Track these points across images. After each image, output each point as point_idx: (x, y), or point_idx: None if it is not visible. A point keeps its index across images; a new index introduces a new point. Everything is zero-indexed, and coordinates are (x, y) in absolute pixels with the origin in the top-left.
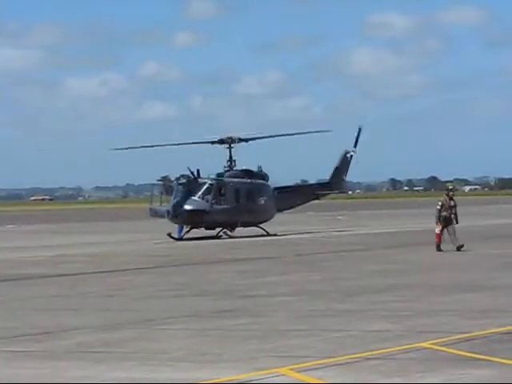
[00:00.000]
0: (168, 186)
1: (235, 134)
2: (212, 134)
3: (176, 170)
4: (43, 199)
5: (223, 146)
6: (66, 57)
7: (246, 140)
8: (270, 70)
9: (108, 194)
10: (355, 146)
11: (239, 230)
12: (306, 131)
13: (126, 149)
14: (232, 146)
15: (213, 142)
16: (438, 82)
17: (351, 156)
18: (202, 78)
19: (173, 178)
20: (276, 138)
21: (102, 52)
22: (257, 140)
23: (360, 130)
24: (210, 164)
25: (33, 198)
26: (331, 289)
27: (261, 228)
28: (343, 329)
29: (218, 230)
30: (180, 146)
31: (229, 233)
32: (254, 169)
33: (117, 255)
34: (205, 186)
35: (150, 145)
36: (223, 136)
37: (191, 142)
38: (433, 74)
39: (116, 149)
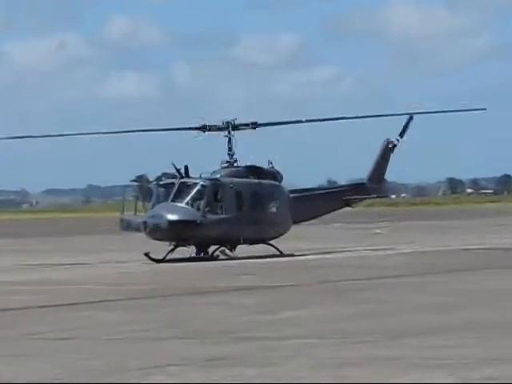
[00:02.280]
0: (145, 188)
1: (236, 119)
2: (204, 117)
3: (156, 167)
4: None
5: (220, 134)
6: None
7: (254, 126)
8: (279, 32)
9: (63, 199)
10: (401, 135)
11: (242, 249)
12: (388, 114)
13: (43, 137)
14: (232, 134)
15: (205, 129)
16: (509, 48)
17: (394, 147)
18: (188, 41)
19: (151, 178)
20: (292, 124)
21: (54, 8)
22: (268, 127)
23: (411, 119)
24: (203, 159)
25: None
26: (366, 328)
27: (271, 246)
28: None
29: (213, 248)
30: (159, 132)
31: (228, 252)
32: (263, 165)
33: (75, 283)
34: (195, 189)
35: (111, 130)
36: (220, 120)
37: (174, 127)
38: (502, 38)
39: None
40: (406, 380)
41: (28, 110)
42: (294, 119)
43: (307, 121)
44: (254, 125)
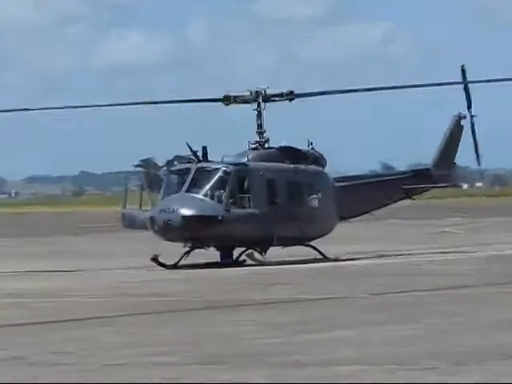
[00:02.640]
0: (153, 175)
1: (268, 87)
2: (226, 86)
3: (165, 149)
4: None
5: (247, 107)
6: None
7: (290, 96)
8: None
9: (50, 190)
10: (469, 105)
11: (275, 252)
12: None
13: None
14: (263, 106)
15: (229, 101)
16: None
17: (472, 124)
18: None
19: (160, 163)
20: (337, 95)
21: None
22: (307, 98)
23: (464, 70)
24: (225, 138)
25: None
26: (427, 352)
27: (312, 248)
28: None
29: (239, 251)
30: (170, 106)
31: (257, 256)
32: (302, 146)
33: (65, 295)
34: (216, 176)
35: (113, 103)
36: (246, 90)
37: (190, 99)
38: None
39: (60, 107)
40: None
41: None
42: (340, 88)
43: (356, 90)
44: (291, 95)
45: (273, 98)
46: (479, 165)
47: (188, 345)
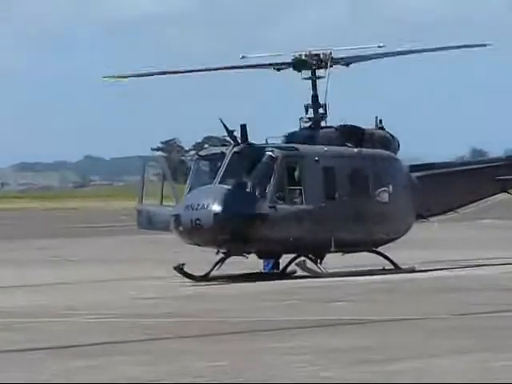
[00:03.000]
0: (176, 161)
1: (326, 50)
2: (273, 49)
3: (192, 128)
4: None
5: (299, 74)
6: None
7: (349, 61)
8: None
9: (45, 180)
10: None
11: (334, 260)
12: None
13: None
14: (317, 74)
15: (277, 66)
16: None
17: None
18: None
19: (187, 146)
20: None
21: None
22: (374, 60)
23: None
24: (270, 114)
25: None
26: None
27: (381, 255)
28: None
29: (288, 258)
30: (205, 73)
31: (311, 265)
32: (369, 125)
33: (66, 313)
34: (259, 164)
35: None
36: (300, 53)
37: (229, 66)
38: None
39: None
40: None
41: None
42: (414, 48)
43: (434, 49)
44: (358, 58)
45: (331, 63)
46: None
47: (222, 378)
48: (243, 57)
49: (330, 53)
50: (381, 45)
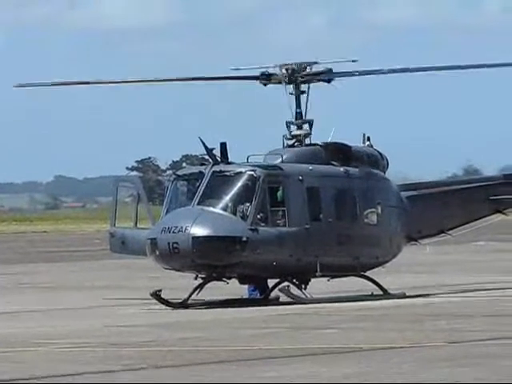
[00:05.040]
0: (153, 181)
1: (315, 62)
2: (257, 60)
3: (170, 146)
4: None
5: (281, 86)
6: None
7: (327, 76)
8: None
9: (15, 202)
10: None
11: (319, 285)
12: None
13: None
14: (301, 87)
15: (267, 79)
16: None
17: None
18: None
19: (163, 165)
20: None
21: None
22: (360, 76)
23: None
24: (251, 132)
25: None
26: None
27: (369, 280)
28: None
29: (271, 284)
30: (177, 86)
31: (295, 291)
32: (356, 143)
33: (40, 343)
34: (239, 183)
35: (99, 80)
36: (280, 65)
37: (211, 77)
38: None
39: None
40: None
41: None
42: (396, 67)
43: (417, 70)
44: (329, 74)
45: (315, 78)
46: None
47: None
48: (236, 68)
49: (310, 67)
50: (355, 59)
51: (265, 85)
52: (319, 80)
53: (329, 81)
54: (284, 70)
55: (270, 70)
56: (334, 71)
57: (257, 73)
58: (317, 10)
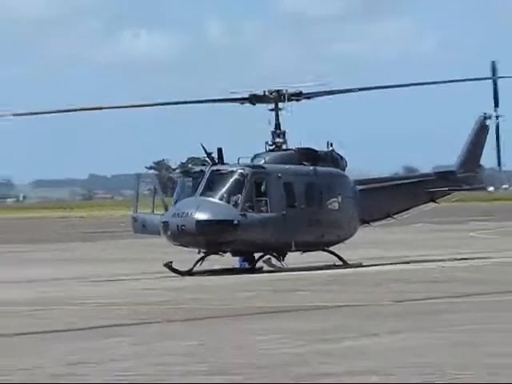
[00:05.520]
0: (165, 178)
1: (286, 86)
2: (242, 86)
3: (179, 150)
4: None
5: (264, 106)
6: None
7: (307, 96)
8: None
9: (58, 193)
10: (496, 104)
11: (293, 258)
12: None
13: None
14: (280, 106)
15: (244, 101)
16: None
17: (497, 124)
18: None
19: (174, 165)
20: (356, 93)
21: None
22: (326, 96)
23: (495, 68)
24: (241, 139)
25: None
26: (456, 363)
27: (332, 253)
28: None
29: (256, 256)
30: (185, 106)
31: (275, 262)
32: (321, 148)
33: (76, 302)
34: (232, 179)
35: (127, 104)
36: (263, 89)
37: (203, 99)
38: None
39: (69, 109)
40: None
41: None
42: (346, 87)
43: (360, 89)
44: (309, 94)
45: (291, 98)
46: (500, 169)
47: (202, 356)
48: (234, 92)
49: (287, 90)
50: (323, 83)
51: (253, 104)
52: (299, 99)
53: (308, 98)
54: (267, 93)
55: (257, 93)
56: (304, 92)
57: (246, 95)
58: (291, 48)
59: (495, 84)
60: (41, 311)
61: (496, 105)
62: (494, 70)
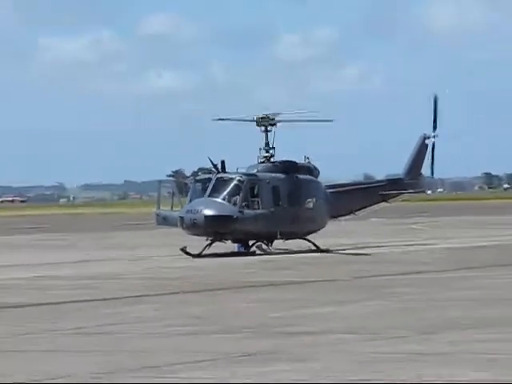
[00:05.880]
0: (181, 183)
1: (274, 112)
2: (240, 112)
3: (192, 162)
4: (13, 201)
5: (258, 128)
6: (41, 10)
7: (291, 121)
8: (315, 28)
9: (100, 195)
10: (435, 127)
11: (278, 244)
12: None
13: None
14: (269, 128)
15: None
16: None
17: (433, 143)
18: (225, 37)
19: (188, 173)
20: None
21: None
22: (304, 123)
23: (436, 100)
24: (239, 154)
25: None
26: (400, 324)
27: (308, 241)
28: (417, 379)
29: (251, 243)
30: (197, 128)
31: (264, 247)
32: (300, 160)
33: (113, 278)
34: (232, 184)
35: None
36: (256, 115)
37: (228, 118)
38: None
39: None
40: (437, 375)
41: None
42: (324, 118)
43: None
44: (291, 120)
45: (277, 122)
46: (432, 176)
47: (209, 319)
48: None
49: (274, 118)
50: (304, 111)
51: (258, 125)
52: (278, 124)
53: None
54: (260, 119)
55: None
56: (287, 119)
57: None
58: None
59: (435, 111)
60: (94, 284)
61: (434, 128)
62: (435, 101)
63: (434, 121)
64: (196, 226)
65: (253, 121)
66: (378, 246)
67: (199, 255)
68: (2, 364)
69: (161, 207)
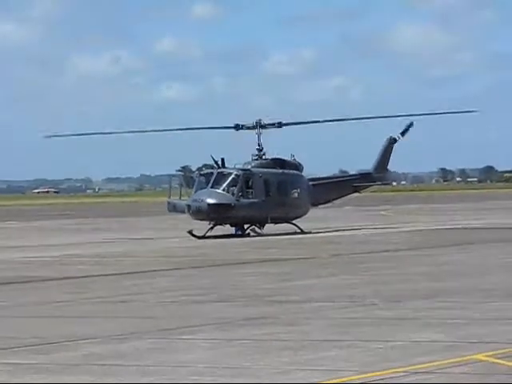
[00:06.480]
0: (188, 177)
1: (265, 118)
2: (237, 118)
3: (197, 159)
4: (48, 192)
5: (251, 131)
6: (71, 32)
7: (279, 125)
8: (301, 47)
9: (120, 187)
10: (402, 134)
11: (269, 227)
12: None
13: (127, 132)
14: (261, 131)
15: (238, 127)
16: (494, 60)
17: (395, 142)
18: (224, 55)
19: (194, 168)
20: (311, 124)
21: (111, 27)
22: (291, 126)
23: (411, 124)
24: (236, 152)
25: (36, 191)
26: (372, 294)
27: (293, 225)
28: (386, 339)
29: (246, 226)
30: (200, 130)
31: (257, 230)
32: (287, 158)
33: (130, 255)
34: (230, 177)
35: (162, 128)
36: (250, 121)
37: (213, 126)
38: (488, 51)
39: (127, 131)
40: (403, 336)
41: (89, 112)
42: (312, 120)
43: (323, 121)
44: (279, 124)
45: (268, 126)
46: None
47: (212, 289)
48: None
49: (261, 120)
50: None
51: (237, 130)
52: (274, 127)
53: (280, 127)
54: (254, 123)
55: (244, 123)
56: (277, 122)
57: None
58: (269, 96)
59: (407, 129)
60: (113, 260)
61: (402, 135)
62: (410, 124)
63: (404, 132)
64: (200, 213)
65: (247, 125)
66: (352, 229)
67: (203, 237)
68: (37, 327)
69: (171, 197)
